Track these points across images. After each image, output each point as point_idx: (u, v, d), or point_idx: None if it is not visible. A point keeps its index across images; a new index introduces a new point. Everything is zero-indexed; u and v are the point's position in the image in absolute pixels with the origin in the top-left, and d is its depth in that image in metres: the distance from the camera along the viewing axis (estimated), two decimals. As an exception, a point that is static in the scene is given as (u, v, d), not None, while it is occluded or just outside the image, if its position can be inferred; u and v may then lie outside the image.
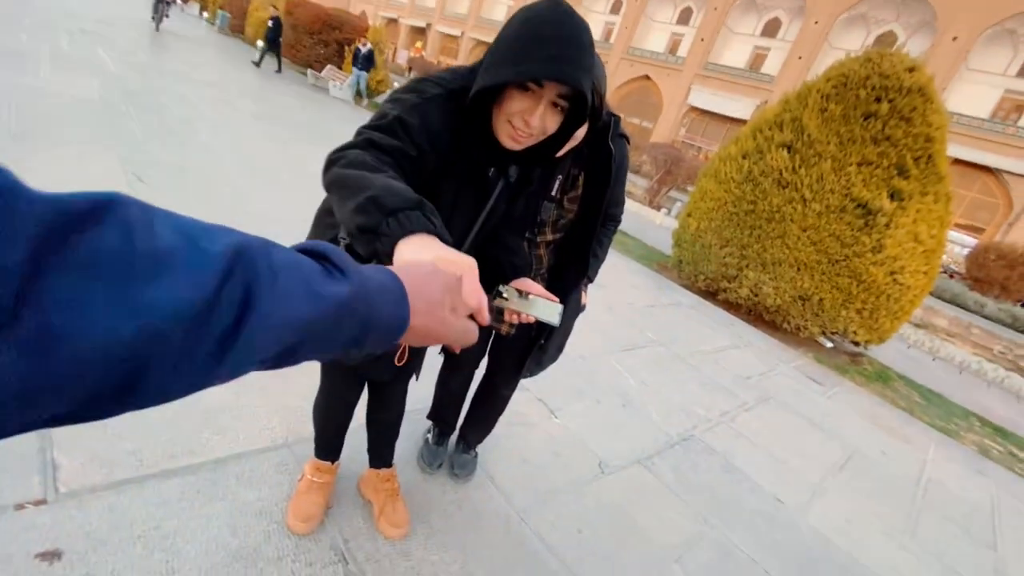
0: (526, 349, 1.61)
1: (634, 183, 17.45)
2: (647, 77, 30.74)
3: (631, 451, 2.34)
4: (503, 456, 2.02)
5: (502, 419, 2.03)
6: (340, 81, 12.73)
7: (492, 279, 1.13)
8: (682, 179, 13.79)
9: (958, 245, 15.98)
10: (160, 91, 6.46)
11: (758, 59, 29.32)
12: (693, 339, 4.32)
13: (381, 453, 1.60)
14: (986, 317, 11.85)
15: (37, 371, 0.21)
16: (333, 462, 1.57)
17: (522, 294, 1.09)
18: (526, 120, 0.87)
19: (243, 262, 0.30)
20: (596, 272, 1.62)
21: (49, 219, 0.21)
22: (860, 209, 4.93)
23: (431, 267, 0.50)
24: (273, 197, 4.19)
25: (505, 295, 1.10)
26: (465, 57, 38.70)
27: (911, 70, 5.05)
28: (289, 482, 1.59)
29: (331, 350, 0.38)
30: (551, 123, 0.90)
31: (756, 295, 5.48)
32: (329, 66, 13.66)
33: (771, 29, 29.00)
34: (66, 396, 0.23)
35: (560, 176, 1.40)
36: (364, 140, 0.82)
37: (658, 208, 13.45)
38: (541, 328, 1.53)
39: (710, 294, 5.96)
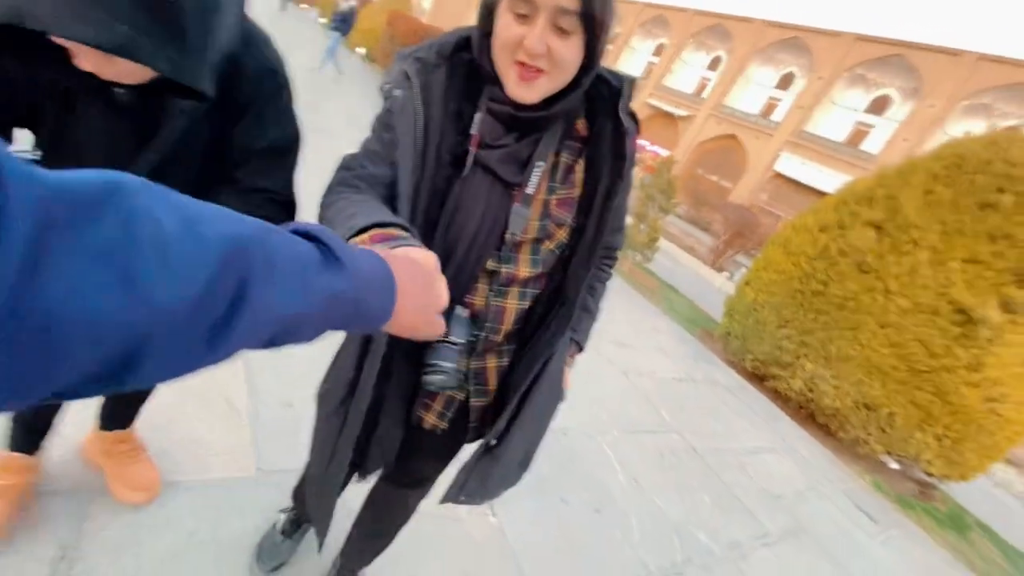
0: (455, 448, 1.02)
1: (700, 240, 16.54)
2: (734, 136, 29.70)
3: (583, 585, 1.72)
4: (391, 562, 1.47)
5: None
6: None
7: None
8: (752, 244, 12.82)
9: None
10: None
11: (859, 135, 27.57)
12: (721, 431, 3.59)
13: (119, 414, 1.25)
14: (1099, 468, 9.90)
15: (33, 352, 0.22)
16: (32, 452, 1.20)
17: None
18: (100, 68, 0.62)
19: (239, 255, 0.30)
20: (587, 336, 1.06)
21: (50, 204, 0.22)
22: (959, 315, 4.05)
23: (419, 264, 0.52)
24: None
25: None
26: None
27: (1049, 161, 4.17)
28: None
29: (315, 335, 0.40)
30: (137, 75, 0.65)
31: (811, 391, 4.64)
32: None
33: (879, 106, 27.27)
34: (61, 377, 0.23)
35: (540, 163, 0.80)
36: None
37: (720, 270, 12.52)
38: (460, 419, 0.96)
39: (757, 378, 5.14)
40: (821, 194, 24.69)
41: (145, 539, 1.25)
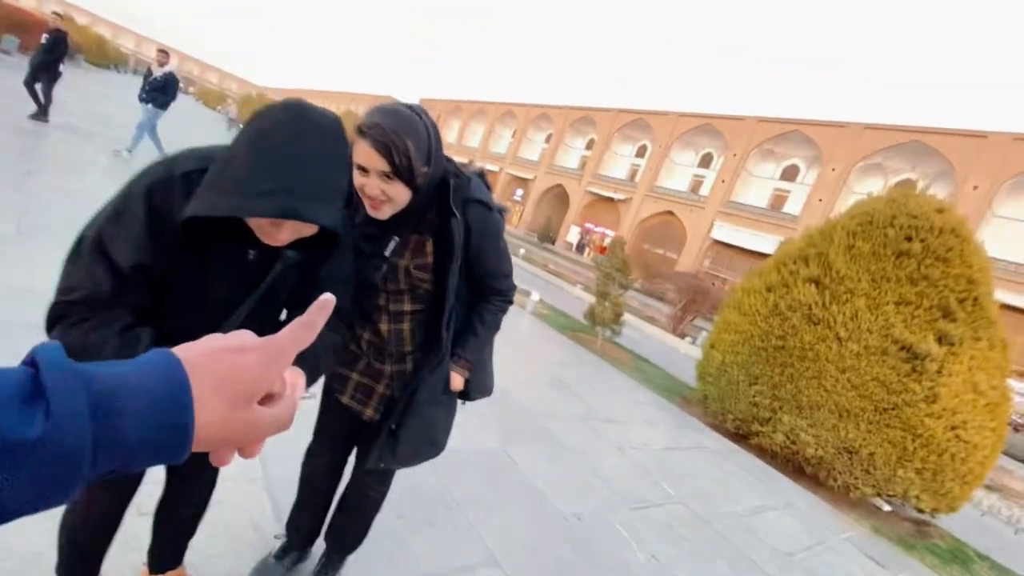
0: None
1: (659, 310, 17.23)
2: (670, 212, 32.11)
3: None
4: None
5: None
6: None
7: None
8: (707, 308, 13.48)
9: (1018, 395, 14.60)
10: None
11: (779, 200, 30.52)
12: (720, 495, 3.65)
13: (171, 552, 1.26)
14: (1068, 481, 10.27)
15: None
16: None
17: None
18: (271, 236, 0.83)
19: None
20: (475, 351, 1.39)
21: None
22: (904, 352, 4.43)
23: (235, 345, 0.37)
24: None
25: None
26: (501, 190, 41.70)
27: (940, 211, 4.87)
28: None
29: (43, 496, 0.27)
30: (303, 232, 0.85)
31: (794, 442, 4.79)
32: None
33: (790, 174, 30.62)
34: None
35: (396, 238, 1.24)
36: (79, 308, 0.81)
37: (682, 336, 12.99)
38: (390, 409, 1.33)
39: (741, 437, 5.27)
40: (756, 254, 26.67)
41: None
